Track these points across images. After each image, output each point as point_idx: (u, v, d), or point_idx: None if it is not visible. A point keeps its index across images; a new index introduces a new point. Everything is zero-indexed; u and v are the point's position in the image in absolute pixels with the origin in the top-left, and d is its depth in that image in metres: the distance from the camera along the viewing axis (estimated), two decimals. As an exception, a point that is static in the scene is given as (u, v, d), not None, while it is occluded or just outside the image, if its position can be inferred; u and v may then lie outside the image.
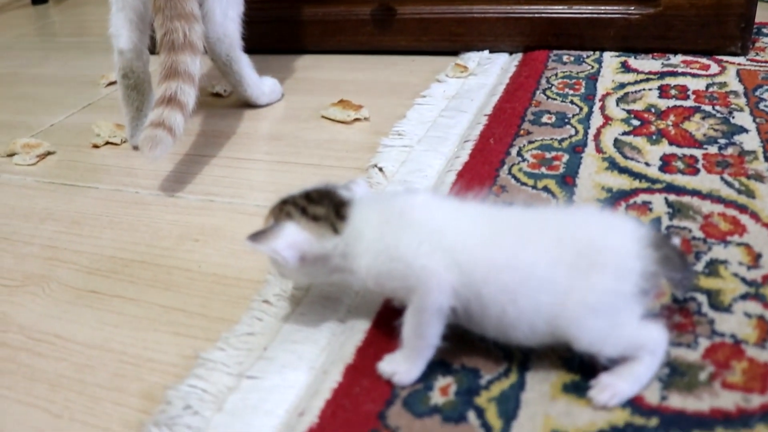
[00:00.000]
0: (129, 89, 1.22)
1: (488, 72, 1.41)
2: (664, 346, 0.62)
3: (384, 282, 0.65)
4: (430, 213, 0.66)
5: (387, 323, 0.72)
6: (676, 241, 0.73)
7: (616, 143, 1.05)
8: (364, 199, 0.70)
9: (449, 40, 1.54)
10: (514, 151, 1.05)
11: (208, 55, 1.30)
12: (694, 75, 1.27)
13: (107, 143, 1.29)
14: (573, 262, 0.60)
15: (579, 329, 0.60)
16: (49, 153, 1.27)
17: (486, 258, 0.62)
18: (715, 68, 1.29)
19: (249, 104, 1.38)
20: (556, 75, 1.33)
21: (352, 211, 0.68)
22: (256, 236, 0.68)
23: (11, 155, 1.26)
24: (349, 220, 0.67)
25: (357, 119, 1.27)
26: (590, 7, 1.41)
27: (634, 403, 0.60)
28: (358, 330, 0.73)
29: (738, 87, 1.20)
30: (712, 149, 1.00)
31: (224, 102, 1.44)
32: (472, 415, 0.61)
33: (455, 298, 0.62)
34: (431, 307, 0.62)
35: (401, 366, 0.65)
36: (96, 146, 1.28)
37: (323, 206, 0.69)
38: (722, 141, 1.02)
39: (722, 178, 0.92)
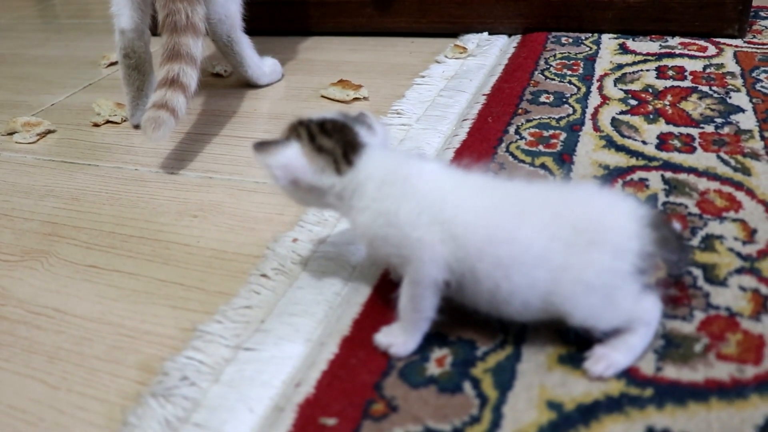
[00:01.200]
0: (130, 69, 1.22)
1: (487, 53, 1.41)
2: (658, 317, 0.62)
3: (378, 245, 0.65)
4: (434, 183, 0.65)
5: (383, 296, 0.73)
6: (676, 224, 0.73)
7: (614, 122, 1.05)
8: (378, 151, 0.68)
9: (448, 22, 1.54)
10: (512, 129, 1.06)
11: (209, 35, 1.30)
12: (691, 56, 1.27)
13: (107, 122, 1.29)
14: (571, 238, 0.60)
15: (574, 306, 0.60)
16: (49, 131, 1.28)
17: (483, 232, 0.61)
18: (712, 50, 1.30)
19: (249, 84, 1.38)
20: (555, 56, 1.33)
21: (361, 159, 0.66)
22: (261, 146, 0.67)
23: (12, 133, 1.27)
24: (355, 168, 0.66)
25: (356, 99, 1.27)
26: (589, -11, 1.41)
27: (629, 374, 0.61)
28: (354, 303, 0.73)
29: (735, 68, 1.20)
30: (709, 128, 1.00)
31: (225, 82, 1.44)
32: (467, 386, 0.62)
33: (449, 272, 0.62)
34: (425, 280, 0.62)
35: (398, 338, 0.66)
36: (96, 125, 1.28)
37: (333, 140, 0.67)
38: (719, 120, 1.02)
39: (718, 156, 0.93)
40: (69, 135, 1.26)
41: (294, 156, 0.66)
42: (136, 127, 1.24)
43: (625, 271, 0.60)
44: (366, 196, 0.65)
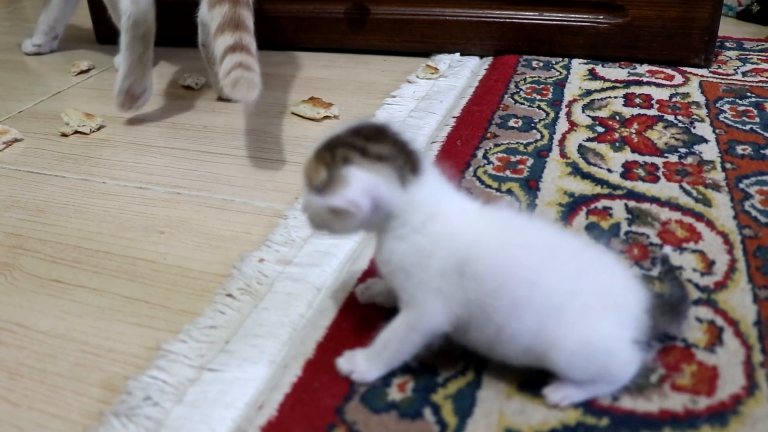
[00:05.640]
0: (136, 38, 1.21)
1: (458, 74, 1.42)
2: (633, 373, 0.63)
3: (398, 275, 0.63)
4: (470, 226, 0.63)
5: (348, 320, 0.73)
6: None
7: (580, 149, 1.07)
8: (435, 173, 0.64)
9: (421, 41, 1.56)
10: (480, 153, 1.07)
11: (200, 48, 1.32)
12: (658, 85, 1.30)
13: (76, 132, 1.28)
14: (588, 299, 0.61)
15: (570, 361, 0.60)
16: (16, 140, 1.26)
17: (506, 271, 0.61)
18: (679, 79, 1.32)
19: (221, 98, 1.38)
20: (525, 80, 1.35)
21: (423, 174, 0.62)
22: (322, 190, 0.59)
23: (-22, 141, 1.25)
24: (417, 185, 0.61)
25: (327, 117, 1.28)
26: (560, 15, 1.43)
27: (586, 404, 0.62)
28: (319, 326, 0.74)
29: (700, 98, 1.23)
30: (673, 158, 1.03)
31: (195, 95, 1.43)
32: (428, 412, 0.62)
33: (453, 322, 0.62)
34: (426, 328, 0.62)
35: (360, 365, 0.66)
36: (64, 135, 1.27)
37: (387, 146, 0.60)
38: (682, 150, 1.05)
39: (681, 187, 0.95)
40: (36, 144, 1.25)
41: (365, 177, 0.58)
42: (131, 98, 1.25)
43: (625, 339, 0.61)
44: (409, 224, 0.62)
